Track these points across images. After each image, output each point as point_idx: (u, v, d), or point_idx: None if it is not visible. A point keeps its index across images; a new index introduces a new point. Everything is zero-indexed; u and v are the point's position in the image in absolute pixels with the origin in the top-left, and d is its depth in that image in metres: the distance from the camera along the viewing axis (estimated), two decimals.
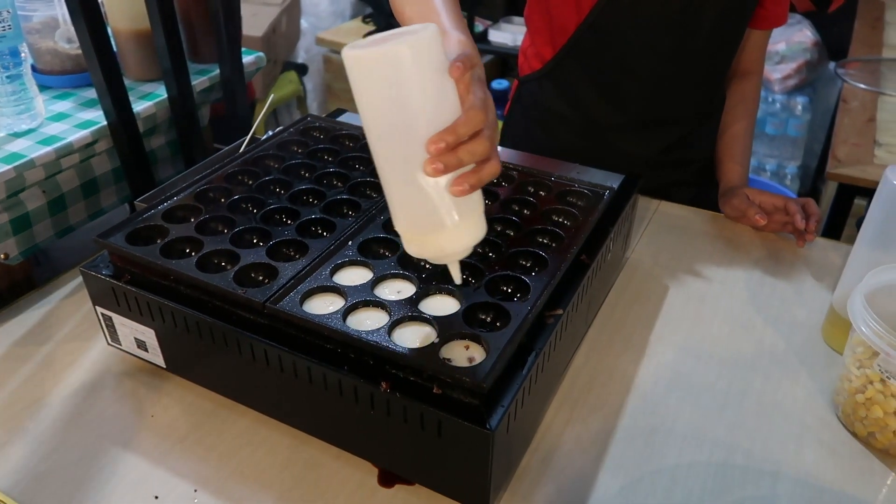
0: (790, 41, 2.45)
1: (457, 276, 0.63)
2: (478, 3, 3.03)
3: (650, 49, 1.03)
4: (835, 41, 2.44)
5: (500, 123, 1.30)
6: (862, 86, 1.65)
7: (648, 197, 1.13)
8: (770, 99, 2.47)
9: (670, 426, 0.74)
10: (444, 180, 0.55)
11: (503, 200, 0.84)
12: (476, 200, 0.59)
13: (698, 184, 1.19)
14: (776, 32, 2.48)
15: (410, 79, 0.52)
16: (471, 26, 2.91)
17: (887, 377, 0.68)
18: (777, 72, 2.45)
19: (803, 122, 2.46)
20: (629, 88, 1.07)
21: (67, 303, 0.91)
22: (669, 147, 1.14)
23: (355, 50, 0.52)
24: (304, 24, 3.07)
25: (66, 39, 1.06)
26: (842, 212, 1.45)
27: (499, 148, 0.95)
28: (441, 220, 0.57)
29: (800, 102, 2.44)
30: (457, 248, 0.59)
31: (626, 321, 0.88)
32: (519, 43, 1.19)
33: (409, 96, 0.52)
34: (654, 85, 1.06)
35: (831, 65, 2.48)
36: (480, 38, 2.95)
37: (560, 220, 0.81)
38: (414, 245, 0.60)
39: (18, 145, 0.92)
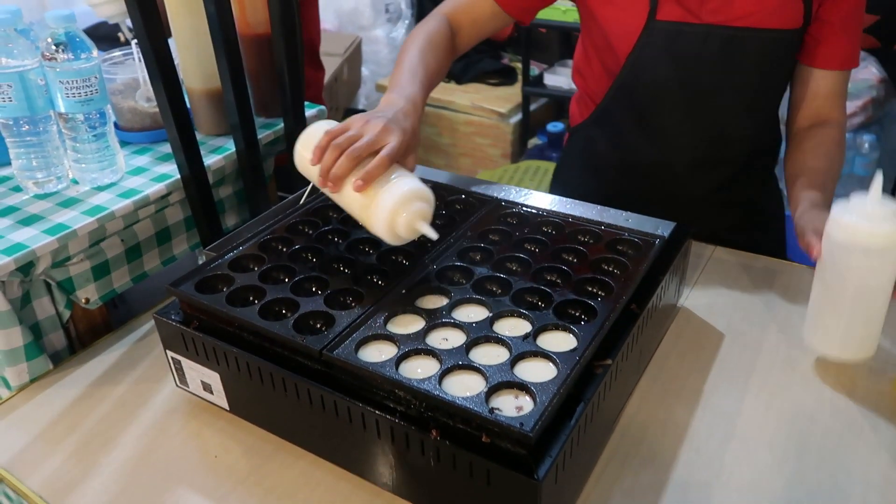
0: (854, 79, 2.39)
1: (429, 233, 0.77)
2: (533, 48, 3.08)
3: (690, 89, 1.03)
4: None
5: (553, 166, 1.32)
6: None
7: (702, 242, 1.12)
8: None
9: (726, 480, 0.73)
10: (352, 193, 0.79)
11: (553, 250, 0.86)
12: (381, 183, 0.78)
13: (750, 229, 1.17)
14: None
15: (303, 166, 0.87)
16: (526, 70, 2.96)
17: None
18: None
19: (870, 160, 2.39)
20: (671, 129, 1.08)
21: (140, 346, 0.96)
22: (718, 187, 1.13)
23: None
24: (364, 71, 3.19)
25: (145, 99, 1.14)
26: None
27: (550, 196, 0.97)
28: (366, 211, 0.78)
29: (866, 140, 2.38)
30: (382, 222, 0.77)
31: (680, 370, 0.87)
32: (573, 86, 1.22)
33: (309, 173, 0.85)
34: (696, 125, 1.06)
35: None
36: (536, 82, 3.00)
37: (610, 269, 0.82)
38: (377, 232, 0.79)
39: (101, 198, 0.99)
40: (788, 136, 1.13)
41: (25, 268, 0.90)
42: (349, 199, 0.80)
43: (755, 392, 0.84)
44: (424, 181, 0.80)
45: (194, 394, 0.83)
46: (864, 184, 2.47)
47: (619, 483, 0.73)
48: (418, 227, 0.77)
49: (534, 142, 3.09)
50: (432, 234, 0.77)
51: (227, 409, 0.81)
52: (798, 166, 1.03)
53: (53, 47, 0.92)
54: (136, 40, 1.05)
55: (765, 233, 1.15)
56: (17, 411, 0.86)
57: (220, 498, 0.73)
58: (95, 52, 0.96)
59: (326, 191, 0.82)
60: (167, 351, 0.82)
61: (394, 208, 0.76)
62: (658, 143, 1.11)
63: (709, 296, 1.01)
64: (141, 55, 1.02)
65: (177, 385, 0.85)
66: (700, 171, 1.12)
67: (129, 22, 1.17)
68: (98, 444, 0.81)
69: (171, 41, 1.04)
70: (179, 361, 0.81)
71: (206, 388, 0.81)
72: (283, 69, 1.18)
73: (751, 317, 0.96)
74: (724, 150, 1.11)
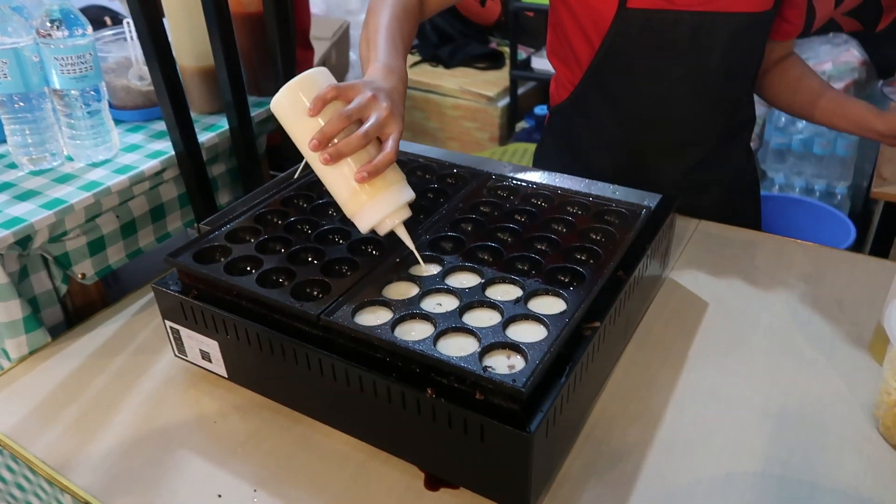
0: (837, 61, 2.43)
1: (407, 242, 0.78)
2: (520, 32, 3.09)
3: (662, 75, 1.05)
4: (884, 60, 2.41)
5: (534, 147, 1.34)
6: None
7: (687, 216, 1.15)
8: None
9: (708, 437, 0.76)
10: (345, 173, 0.74)
11: (543, 220, 0.88)
12: (383, 183, 0.75)
13: (728, 207, 1.19)
14: (823, 52, 2.48)
15: (291, 110, 0.76)
16: (514, 54, 2.97)
17: None
18: None
19: (851, 141, 2.42)
20: (645, 114, 1.09)
21: (137, 318, 0.98)
22: (692, 169, 1.14)
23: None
24: (352, 55, 3.19)
25: (138, 77, 1.15)
26: (889, 230, 1.44)
27: (539, 171, 0.99)
28: (357, 203, 0.76)
29: None
30: (370, 222, 0.76)
31: (665, 337, 0.90)
32: None
33: (295, 121, 0.75)
34: (669, 110, 1.08)
35: (880, 83, 2.44)
36: (523, 66, 3.02)
37: (598, 238, 0.85)
38: (356, 222, 0.78)
39: (97, 174, 1.00)
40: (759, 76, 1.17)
41: (23, 241, 0.91)
42: (337, 179, 0.76)
43: (738, 357, 0.87)
44: (413, 159, 0.81)
45: (193, 363, 0.85)
46: (846, 164, 2.48)
47: (608, 441, 0.75)
48: (399, 233, 0.78)
49: (521, 125, 3.10)
50: (411, 244, 0.78)
51: (226, 376, 0.83)
52: (802, 89, 1.12)
53: (48, 24, 0.93)
54: (128, 19, 1.06)
55: (741, 210, 1.17)
56: (18, 382, 0.87)
57: (220, 462, 0.75)
58: (90, 29, 0.97)
59: (314, 157, 0.74)
60: (166, 321, 0.84)
61: (385, 215, 0.76)
62: (632, 128, 1.12)
63: (693, 267, 1.04)
64: (134, 34, 1.03)
65: (175, 355, 0.86)
66: (675, 154, 1.13)
67: None
68: (98, 412, 0.82)
69: (163, 20, 1.05)
70: (178, 331, 0.83)
71: (205, 356, 0.82)
72: (275, 47, 1.19)
73: (734, 286, 0.99)
74: (698, 133, 1.12)
